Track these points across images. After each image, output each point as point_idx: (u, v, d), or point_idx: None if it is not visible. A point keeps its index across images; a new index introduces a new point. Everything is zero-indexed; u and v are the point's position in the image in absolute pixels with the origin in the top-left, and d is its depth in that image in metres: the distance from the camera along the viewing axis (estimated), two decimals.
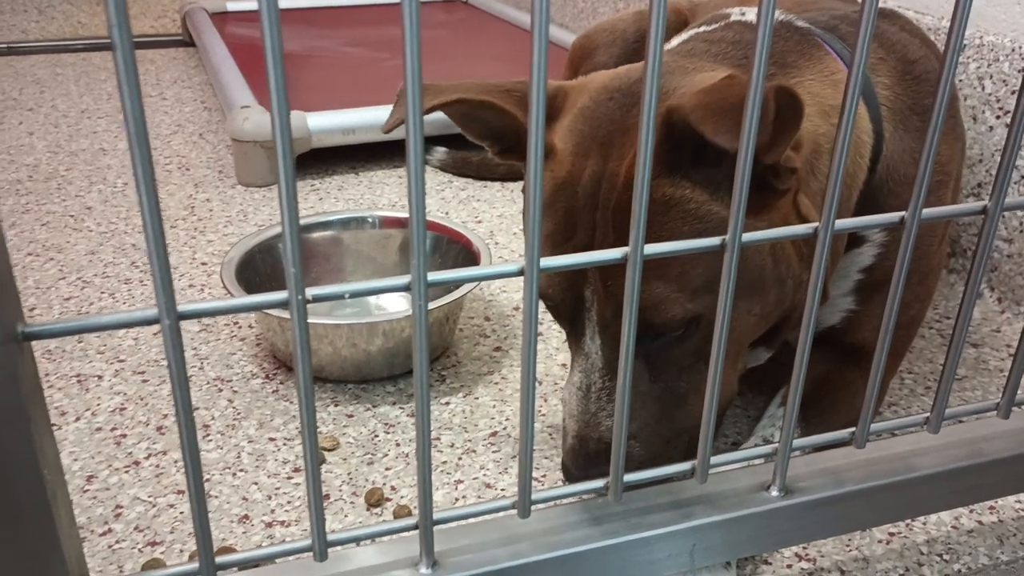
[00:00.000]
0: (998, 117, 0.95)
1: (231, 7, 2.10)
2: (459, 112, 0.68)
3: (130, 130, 0.34)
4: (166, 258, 0.35)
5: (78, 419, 0.78)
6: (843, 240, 0.69)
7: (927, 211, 0.48)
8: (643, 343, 0.60)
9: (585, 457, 0.62)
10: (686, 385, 0.62)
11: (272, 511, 0.67)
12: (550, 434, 0.76)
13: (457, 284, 0.59)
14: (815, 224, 0.47)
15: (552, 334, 0.92)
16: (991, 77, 0.96)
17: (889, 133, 0.68)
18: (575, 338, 0.63)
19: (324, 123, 1.31)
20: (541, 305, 0.96)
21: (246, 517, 0.66)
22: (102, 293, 0.99)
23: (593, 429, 0.61)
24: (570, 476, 0.63)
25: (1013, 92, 0.93)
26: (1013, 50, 0.93)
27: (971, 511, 0.66)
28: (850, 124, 0.43)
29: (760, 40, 0.40)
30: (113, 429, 0.76)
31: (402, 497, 0.68)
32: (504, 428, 0.77)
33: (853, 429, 0.53)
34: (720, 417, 0.66)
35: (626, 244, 0.55)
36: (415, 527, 0.45)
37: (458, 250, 0.94)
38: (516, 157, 0.68)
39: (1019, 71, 0.92)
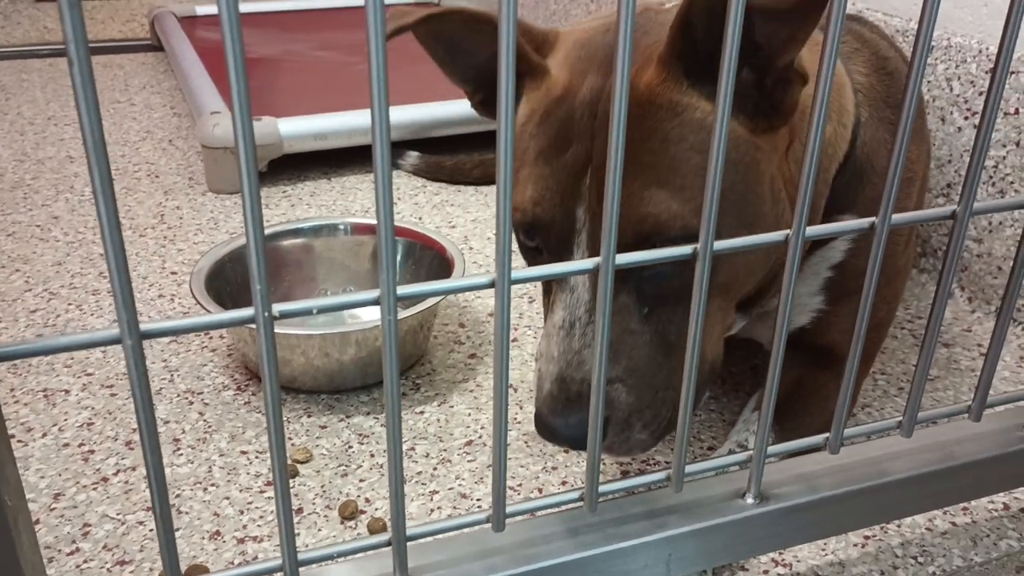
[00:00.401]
0: (966, 118, 0.96)
1: (200, 11, 2.08)
2: (434, 35, 0.62)
3: (88, 143, 0.33)
4: (128, 276, 0.35)
5: (45, 435, 0.76)
6: (819, 210, 0.68)
7: (897, 216, 0.48)
8: (634, 270, 0.56)
9: (565, 402, 0.56)
10: (681, 327, 0.57)
11: (244, 526, 0.66)
12: (526, 442, 0.76)
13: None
14: (786, 232, 0.46)
15: (527, 340, 0.91)
16: (959, 78, 0.96)
17: (865, 118, 0.69)
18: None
19: (295, 128, 1.30)
20: (514, 312, 0.96)
21: (218, 533, 0.65)
22: (69, 305, 0.97)
23: (576, 369, 0.56)
24: (546, 428, 0.57)
25: (981, 93, 0.94)
26: (980, 51, 0.94)
27: (945, 513, 0.67)
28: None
29: None
30: (81, 445, 0.75)
31: (376, 509, 0.68)
32: (479, 437, 0.76)
33: (827, 435, 0.53)
34: (708, 383, 0.62)
35: (626, 156, 0.55)
36: (388, 543, 0.45)
37: (431, 256, 0.93)
38: (492, 115, 0.65)
39: (986, 72, 0.93)
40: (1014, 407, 0.63)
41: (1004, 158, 0.91)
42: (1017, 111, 0.89)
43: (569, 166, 0.56)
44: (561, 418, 0.55)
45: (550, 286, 0.61)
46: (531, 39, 0.62)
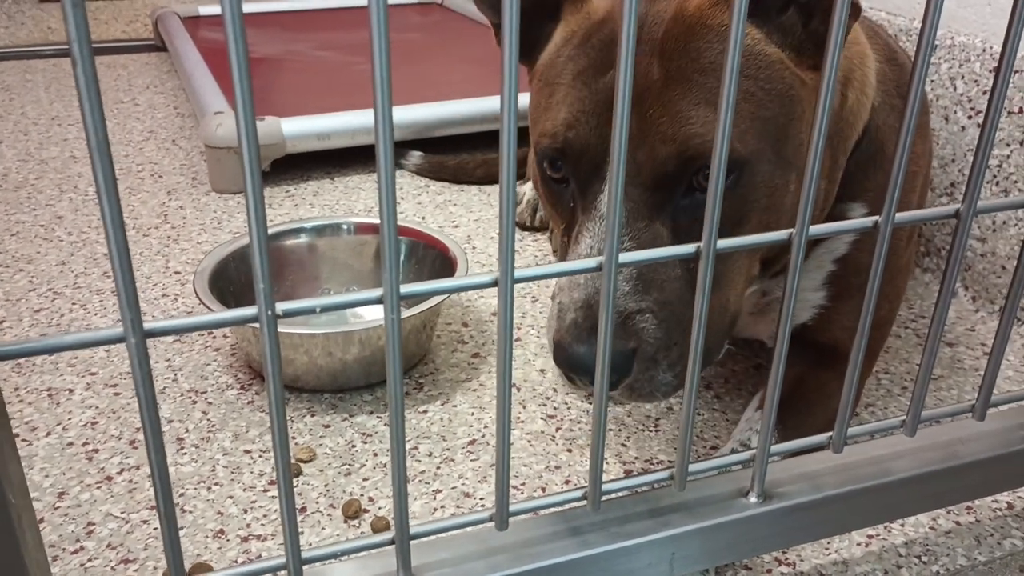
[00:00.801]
0: (970, 117, 0.96)
1: (203, 11, 2.08)
2: None
3: (91, 143, 0.33)
4: (132, 275, 0.35)
5: (49, 434, 0.76)
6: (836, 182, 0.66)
7: (901, 215, 0.48)
8: (672, 198, 0.55)
9: (591, 330, 0.53)
10: (719, 263, 0.56)
11: (248, 525, 0.66)
12: (529, 441, 0.76)
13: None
14: (789, 231, 0.46)
15: (530, 339, 0.91)
16: (963, 77, 0.96)
17: (878, 102, 0.69)
18: (586, 197, 0.57)
19: (298, 128, 1.30)
20: (517, 311, 0.96)
21: (221, 532, 0.65)
22: (73, 304, 0.98)
23: None
24: (568, 357, 0.54)
25: (984, 92, 0.94)
26: (984, 50, 0.94)
27: (949, 512, 0.67)
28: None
29: None
30: (85, 444, 0.75)
31: (380, 508, 0.68)
32: (483, 436, 0.76)
33: (830, 434, 0.53)
34: (728, 335, 0.60)
35: (671, 75, 0.54)
36: (391, 542, 0.45)
37: (434, 256, 0.93)
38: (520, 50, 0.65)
39: (990, 71, 0.93)
40: (1018, 406, 0.62)
41: (1008, 157, 0.91)
42: (1021, 110, 0.89)
43: (609, 89, 0.55)
44: (587, 346, 0.53)
45: (573, 219, 0.59)
46: None
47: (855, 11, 0.56)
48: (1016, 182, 0.91)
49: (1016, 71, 0.89)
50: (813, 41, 0.56)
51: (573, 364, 0.54)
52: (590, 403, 0.80)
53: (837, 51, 0.42)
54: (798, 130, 0.57)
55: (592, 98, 0.56)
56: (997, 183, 0.93)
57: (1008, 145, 0.91)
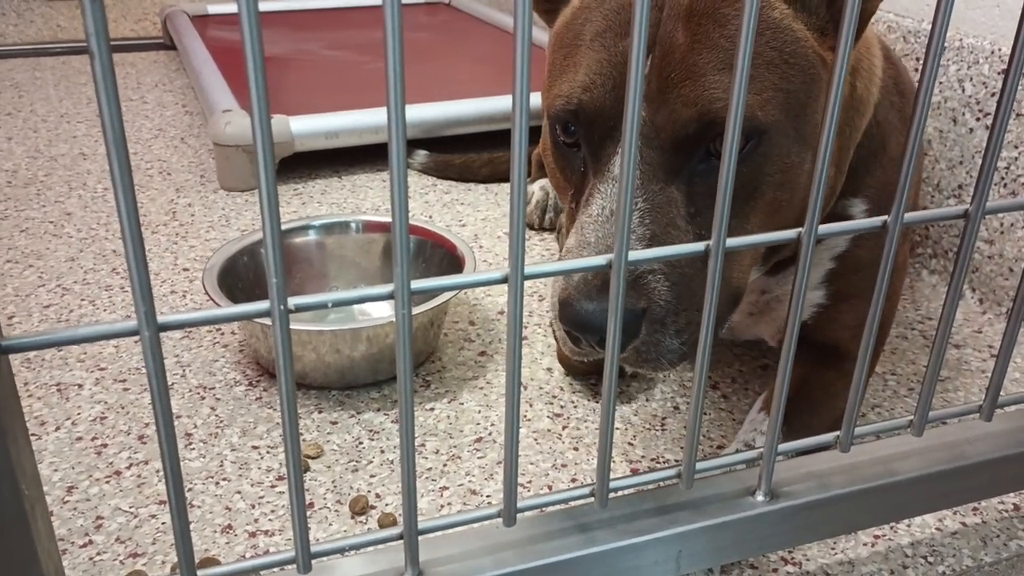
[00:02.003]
0: (978, 119, 0.96)
1: (212, 10, 2.09)
2: None
3: (108, 138, 0.33)
4: (146, 268, 0.35)
5: (58, 429, 0.77)
6: (848, 159, 0.66)
7: (909, 216, 0.48)
8: (689, 163, 0.54)
9: (601, 287, 0.51)
10: (729, 234, 0.56)
11: (256, 520, 0.66)
12: (535, 439, 0.76)
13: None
14: (799, 229, 0.47)
15: (537, 338, 0.91)
16: (971, 79, 0.96)
17: (878, 99, 0.69)
18: (599, 160, 0.56)
19: (307, 127, 1.31)
20: (524, 310, 0.96)
21: (229, 527, 0.66)
22: (82, 300, 0.98)
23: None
24: (576, 314, 0.52)
25: (993, 94, 0.94)
26: (992, 52, 0.94)
27: (955, 513, 0.67)
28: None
29: None
30: (94, 439, 0.76)
31: (387, 505, 0.68)
32: (489, 434, 0.76)
33: (837, 433, 0.54)
34: (732, 309, 0.60)
35: (697, 39, 0.54)
36: (399, 537, 0.45)
37: (442, 254, 0.94)
38: (541, 7, 0.63)
39: (999, 73, 0.93)
40: None
41: (1016, 159, 0.91)
42: None
43: (628, 52, 0.55)
44: (596, 303, 0.51)
45: (583, 184, 0.58)
46: None
47: None
48: None
49: None
50: (836, 23, 0.57)
51: (581, 321, 0.52)
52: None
53: (851, 28, 0.42)
54: (815, 110, 0.57)
55: (610, 60, 0.56)
56: (1005, 185, 0.93)
57: (1016, 147, 0.91)
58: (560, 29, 0.62)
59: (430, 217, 1.21)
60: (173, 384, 0.83)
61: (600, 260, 0.44)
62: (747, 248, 0.59)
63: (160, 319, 0.36)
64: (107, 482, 0.70)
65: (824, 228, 0.47)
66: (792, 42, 0.55)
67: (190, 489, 0.70)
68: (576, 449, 0.75)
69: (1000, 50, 0.93)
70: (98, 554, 0.63)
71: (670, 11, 0.55)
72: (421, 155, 1.37)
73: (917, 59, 1.02)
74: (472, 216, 1.21)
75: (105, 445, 0.75)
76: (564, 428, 0.77)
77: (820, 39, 0.57)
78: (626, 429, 0.77)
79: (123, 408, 0.80)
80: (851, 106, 0.64)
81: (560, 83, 0.59)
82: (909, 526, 0.66)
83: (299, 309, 0.39)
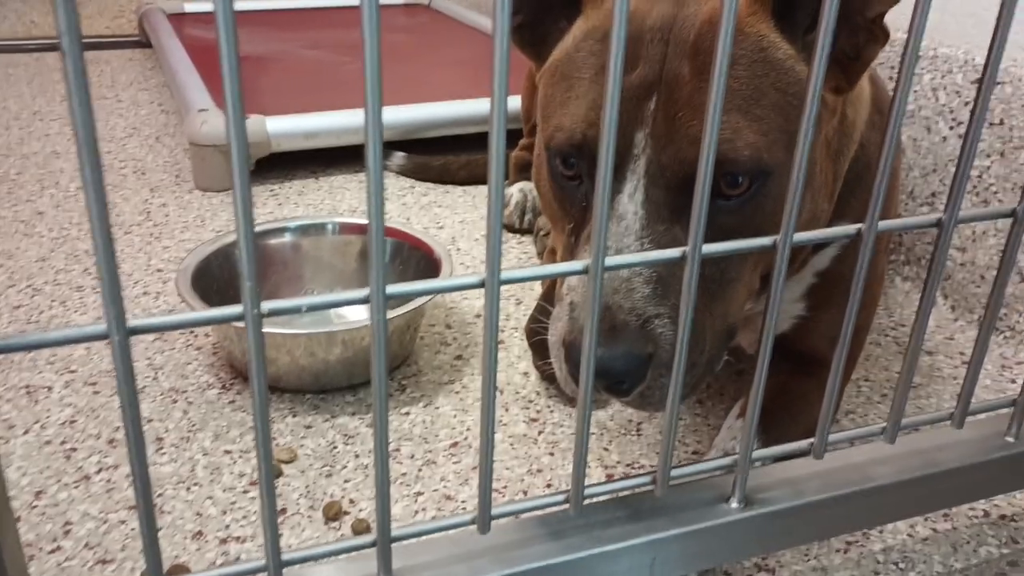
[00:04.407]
0: (951, 128, 0.97)
1: (188, 8, 2.07)
2: None
3: (80, 138, 0.33)
4: (116, 271, 0.34)
5: (27, 432, 0.76)
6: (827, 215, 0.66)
7: (884, 223, 0.48)
8: (690, 208, 0.55)
9: (609, 331, 0.52)
10: (724, 277, 0.56)
11: (227, 526, 0.66)
12: (511, 444, 0.76)
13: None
14: (774, 237, 0.47)
15: (514, 342, 0.91)
16: (944, 88, 0.97)
17: (865, 120, 0.69)
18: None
19: (284, 127, 1.30)
20: (501, 314, 0.96)
21: (200, 533, 0.65)
22: (52, 301, 0.97)
23: (625, 298, 0.52)
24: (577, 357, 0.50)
25: (966, 103, 0.95)
26: (966, 62, 0.95)
27: (926, 519, 0.67)
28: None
29: None
30: (63, 442, 0.74)
31: (361, 511, 0.67)
32: (465, 438, 0.76)
33: (812, 440, 0.54)
34: (726, 347, 0.60)
35: (703, 77, 0.53)
36: (372, 544, 0.45)
37: (419, 257, 0.93)
38: (527, 42, 0.62)
39: (972, 83, 0.94)
40: (996, 415, 0.63)
41: (988, 168, 0.92)
42: (1002, 121, 0.90)
43: (634, 87, 0.54)
44: (604, 348, 0.51)
45: (583, 219, 0.58)
46: None
47: (885, 37, 0.56)
48: (996, 193, 0.92)
49: (997, 83, 0.90)
50: (836, 63, 0.56)
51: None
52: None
53: (826, 45, 0.42)
54: (814, 150, 0.58)
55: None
56: (977, 194, 0.94)
57: (988, 156, 0.92)
58: (557, 62, 0.61)
59: (408, 219, 1.20)
60: (145, 387, 0.82)
61: (577, 265, 0.44)
62: (742, 284, 0.59)
63: (130, 323, 0.36)
64: (76, 487, 0.69)
65: (799, 236, 0.47)
66: (795, 83, 0.55)
67: (160, 494, 0.69)
68: (552, 454, 0.74)
69: (974, 60, 0.94)
70: (66, 560, 0.62)
71: (675, 47, 0.55)
72: (399, 157, 1.36)
73: (892, 67, 1.02)
74: (450, 219, 1.21)
75: (74, 449, 0.74)
76: (540, 433, 0.77)
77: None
78: (602, 434, 0.77)
79: (93, 411, 0.78)
80: (843, 133, 0.64)
81: (560, 116, 0.58)
82: (881, 532, 0.66)
83: (272, 313, 0.38)
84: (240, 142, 0.34)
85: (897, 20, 0.88)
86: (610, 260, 0.44)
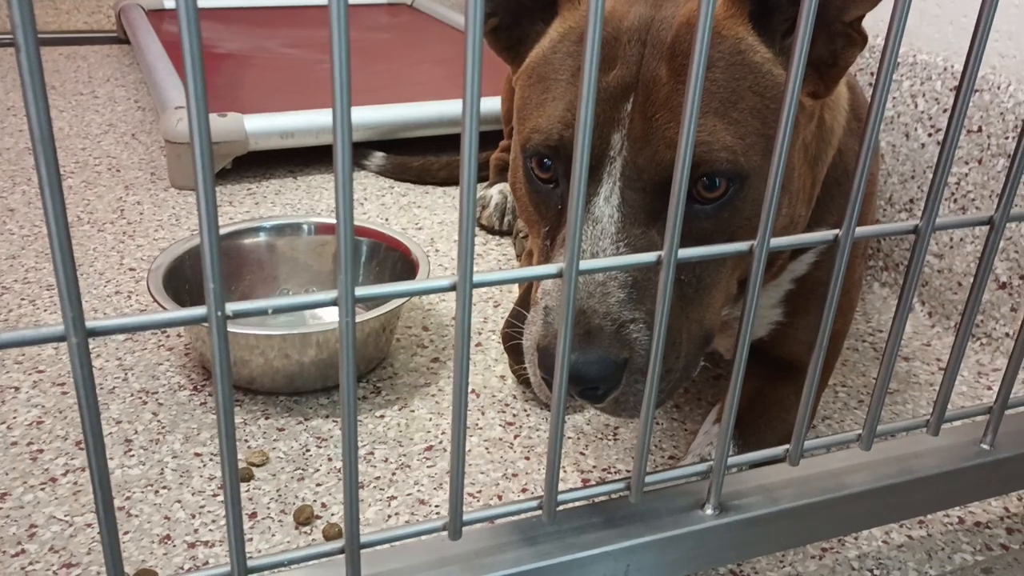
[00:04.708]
0: (930, 135, 0.97)
1: (168, 4, 2.05)
2: None
3: (35, 136, 0.32)
4: (73, 270, 0.33)
5: None
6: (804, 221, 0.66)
7: (861, 229, 0.48)
8: (667, 211, 0.55)
9: (584, 336, 0.51)
10: (700, 282, 0.56)
11: (196, 530, 0.64)
12: (486, 448, 0.75)
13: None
14: (751, 242, 0.46)
15: (491, 345, 0.90)
16: (923, 95, 0.97)
17: (843, 127, 0.69)
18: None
19: (262, 125, 1.28)
20: (479, 316, 0.95)
21: (168, 537, 0.64)
22: (22, 300, 0.95)
23: (600, 302, 0.52)
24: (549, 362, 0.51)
25: (945, 110, 0.95)
26: (945, 69, 0.95)
27: (901, 526, 0.67)
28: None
29: None
30: (29, 444, 0.73)
31: (332, 515, 0.66)
32: (440, 442, 0.75)
33: (787, 447, 0.53)
34: (702, 352, 0.59)
35: (681, 80, 0.53)
36: (341, 551, 0.44)
37: (396, 258, 0.92)
38: (503, 45, 0.61)
39: (951, 90, 0.94)
40: (971, 422, 0.63)
41: (966, 175, 0.93)
42: (980, 129, 0.91)
43: (611, 88, 0.54)
44: (579, 353, 0.51)
45: (559, 222, 0.57)
46: None
47: (863, 41, 0.55)
48: (974, 199, 0.92)
49: (976, 90, 0.91)
50: (814, 67, 0.56)
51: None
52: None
53: (804, 48, 0.42)
54: (792, 154, 0.57)
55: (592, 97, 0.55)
56: (955, 200, 0.94)
57: (967, 163, 0.92)
58: (534, 63, 0.60)
59: (386, 220, 1.19)
60: (114, 388, 0.81)
61: (551, 269, 0.43)
62: (719, 289, 0.58)
63: (89, 324, 0.35)
64: (42, 489, 0.68)
65: (776, 241, 0.47)
66: (773, 87, 0.55)
67: (128, 497, 0.67)
68: (527, 458, 0.74)
69: (952, 67, 0.94)
70: (31, 564, 0.61)
71: (652, 49, 0.54)
72: (377, 157, 1.35)
73: (871, 74, 1.03)
74: (429, 219, 1.20)
75: (41, 451, 0.72)
76: (516, 437, 0.76)
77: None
78: (578, 438, 0.77)
79: (61, 412, 0.77)
80: (821, 138, 0.64)
81: (537, 117, 0.57)
82: (856, 539, 0.66)
83: (238, 315, 0.37)
84: (203, 138, 0.33)
85: (876, 26, 0.88)
86: (584, 264, 0.43)
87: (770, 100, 0.55)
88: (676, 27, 0.55)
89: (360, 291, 0.39)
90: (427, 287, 0.41)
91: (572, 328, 0.52)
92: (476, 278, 0.40)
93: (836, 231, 0.48)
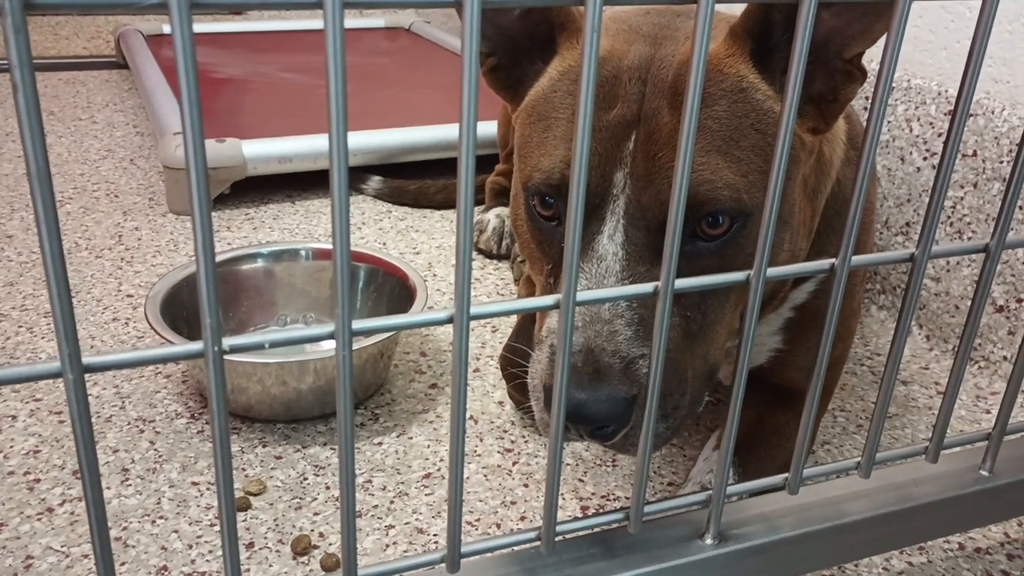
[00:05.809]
0: (925, 159, 0.98)
1: (167, 30, 2.06)
2: None
3: (31, 171, 0.32)
4: (70, 307, 0.33)
5: None
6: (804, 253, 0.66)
7: (856, 259, 0.48)
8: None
9: (592, 375, 0.51)
10: (704, 318, 0.56)
11: (192, 561, 0.64)
12: (485, 476, 0.74)
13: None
14: (748, 272, 0.46)
15: (489, 370, 0.90)
16: (918, 119, 0.98)
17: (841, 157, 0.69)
18: (581, 239, 0.57)
19: (260, 151, 1.29)
20: (477, 342, 0.95)
21: (165, 568, 0.63)
22: (20, 327, 0.95)
23: (607, 340, 0.52)
24: (566, 403, 0.50)
25: (939, 135, 0.95)
26: (939, 94, 0.96)
27: (901, 553, 0.67)
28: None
29: None
30: (26, 473, 0.73)
31: (331, 544, 0.66)
32: (438, 469, 0.75)
33: (787, 475, 0.53)
34: (707, 387, 0.59)
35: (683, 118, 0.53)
36: None
37: (394, 283, 0.92)
38: (501, 84, 0.61)
39: (945, 114, 0.95)
40: (970, 448, 0.63)
41: (962, 199, 0.93)
42: (975, 153, 0.91)
43: (612, 127, 0.54)
44: (587, 392, 0.50)
45: (559, 261, 0.57)
46: (560, 11, 0.60)
47: (863, 76, 0.56)
48: (970, 223, 0.92)
49: (970, 115, 0.91)
50: (814, 104, 0.56)
51: (570, 412, 0.51)
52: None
53: (797, 86, 0.42)
54: (792, 190, 0.57)
55: (594, 137, 0.55)
56: (951, 224, 0.94)
57: (962, 187, 0.93)
58: (534, 101, 0.60)
59: (384, 244, 1.20)
60: (111, 416, 0.80)
61: (548, 300, 0.43)
62: (723, 324, 0.58)
63: (86, 360, 0.35)
64: (39, 519, 0.68)
65: (773, 271, 0.47)
66: (774, 124, 0.55)
67: (125, 528, 0.67)
68: (526, 486, 0.73)
69: (947, 92, 0.95)
70: None
71: (654, 87, 0.54)
72: (375, 181, 1.36)
73: (867, 98, 1.03)
74: (427, 244, 1.20)
75: (38, 480, 0.72)
76: (514, 464, 0.76)
77: (798, 120, 0.57)
78: (577, 465, 0.76)
79: (58, 441, 0.77)
80: (820, 171, 0.64)
81: (539, 156, 0.57)
82: (856, 567, 0.65)
83: (235, 350, 0.37)
84: (200, 168, 0.33)
85: (870, 52, 0.88)
86: (582, 295, 0.43)
87: (772, 137, 0.55)
88: (677, 65, 0.55)
89: (357, 324, 0.39)
90: (424, 320, 0.41)
91: (578, 365, 0.52)
92: (474, 310, 0.40)
93: (833, 260, 0.48)
